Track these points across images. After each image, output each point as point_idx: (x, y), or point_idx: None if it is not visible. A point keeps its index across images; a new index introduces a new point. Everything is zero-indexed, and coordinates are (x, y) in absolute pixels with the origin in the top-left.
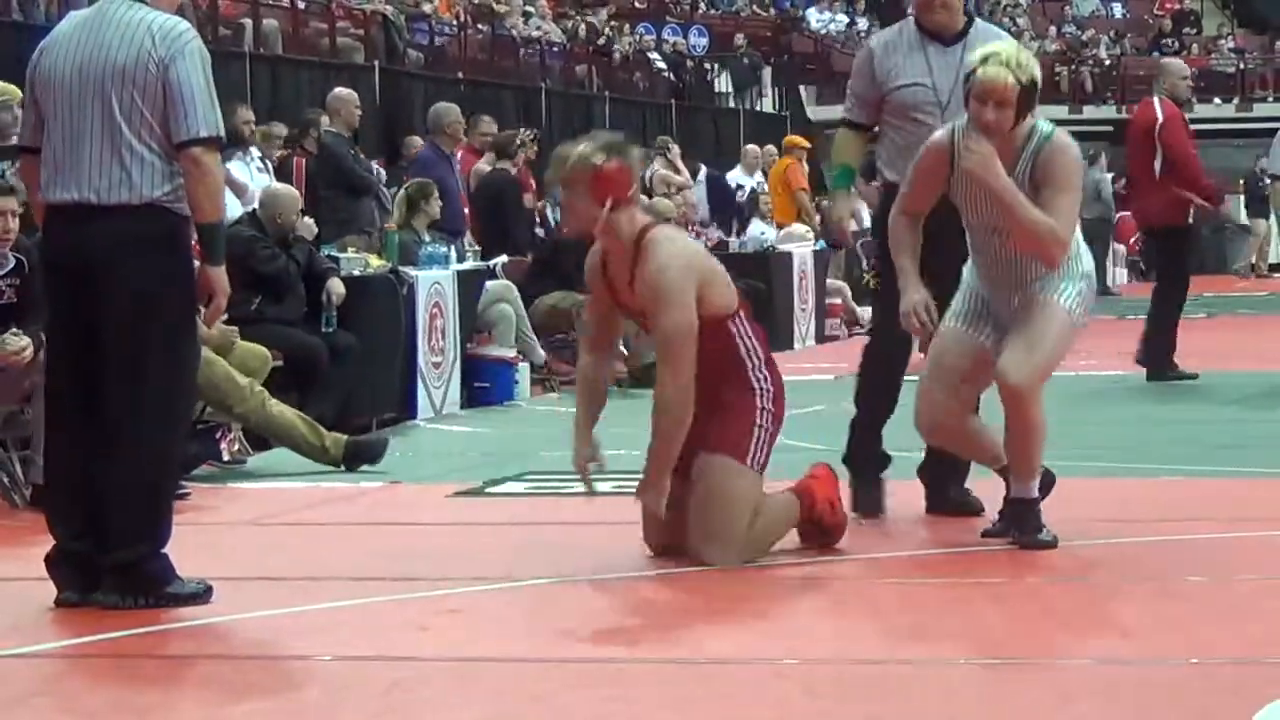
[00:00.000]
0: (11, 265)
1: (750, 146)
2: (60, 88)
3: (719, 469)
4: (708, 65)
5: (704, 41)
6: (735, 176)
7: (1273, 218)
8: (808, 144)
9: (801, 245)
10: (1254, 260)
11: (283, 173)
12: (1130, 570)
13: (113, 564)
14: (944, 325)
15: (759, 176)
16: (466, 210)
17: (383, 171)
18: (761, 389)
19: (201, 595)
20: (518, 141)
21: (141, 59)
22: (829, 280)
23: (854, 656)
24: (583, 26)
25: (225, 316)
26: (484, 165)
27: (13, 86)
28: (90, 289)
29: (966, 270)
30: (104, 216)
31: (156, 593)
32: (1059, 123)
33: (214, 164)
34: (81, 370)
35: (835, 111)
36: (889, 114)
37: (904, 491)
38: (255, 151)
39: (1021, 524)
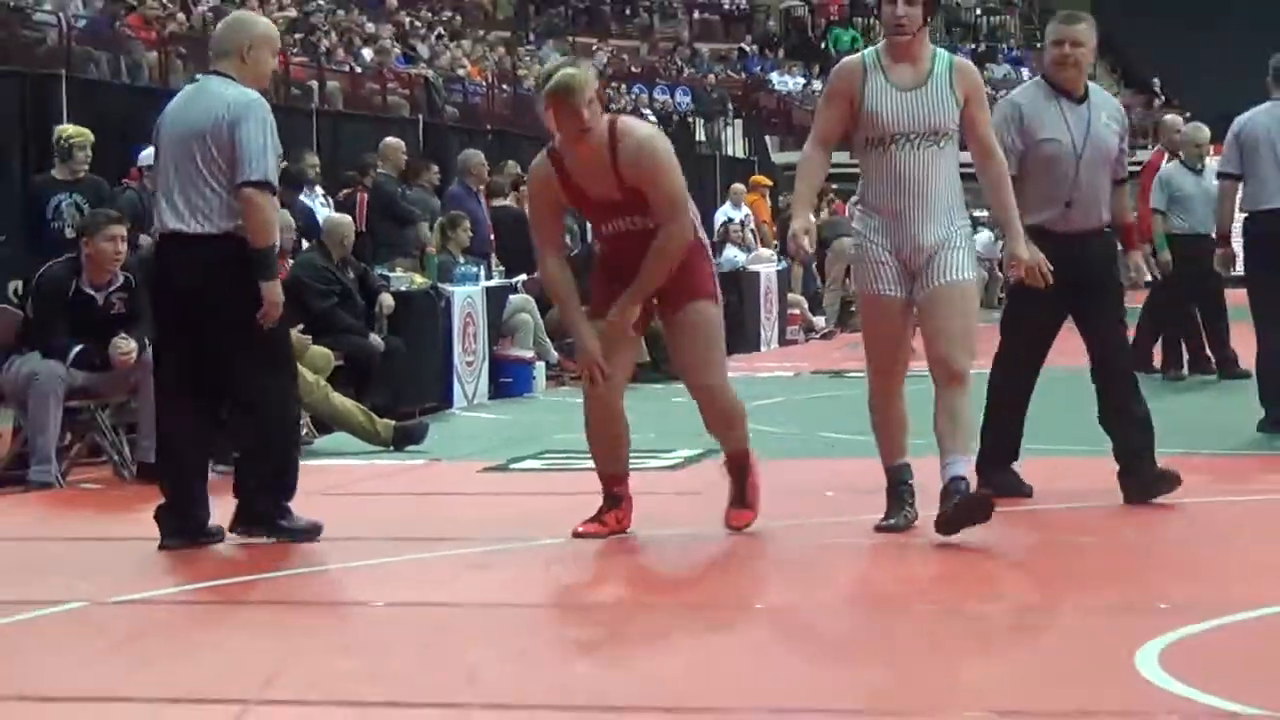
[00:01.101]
0: (121, 281)
1: (737, 185)
2: (167, 142)
3: (710, 313)
4: (690, 119)
5: (687, 100)
6: (725, 211)
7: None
8: (770, 182)
9: (767, 266)
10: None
11: (347, 205)
12: (1039, 532)
13: (249, 511)
14: (882, 301)
15: (745, 210)
16: (492, 237)
17: (436, 200)
18: (703, 242)
19: (311, 531)
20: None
21: (218, 122)
22: (790, 294)
23: (816, 603)
24: None
25: (300, 325)
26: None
27: (86, 130)
28: (191, 300)
29: (860, 222)
30: (194, 242)
31: (277, 530)
32: None
33: (264, 202)
34: (186, 363)
35: (796, 157)
36: (1031, 164)
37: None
38: (319, 189)
39: (959, 498)
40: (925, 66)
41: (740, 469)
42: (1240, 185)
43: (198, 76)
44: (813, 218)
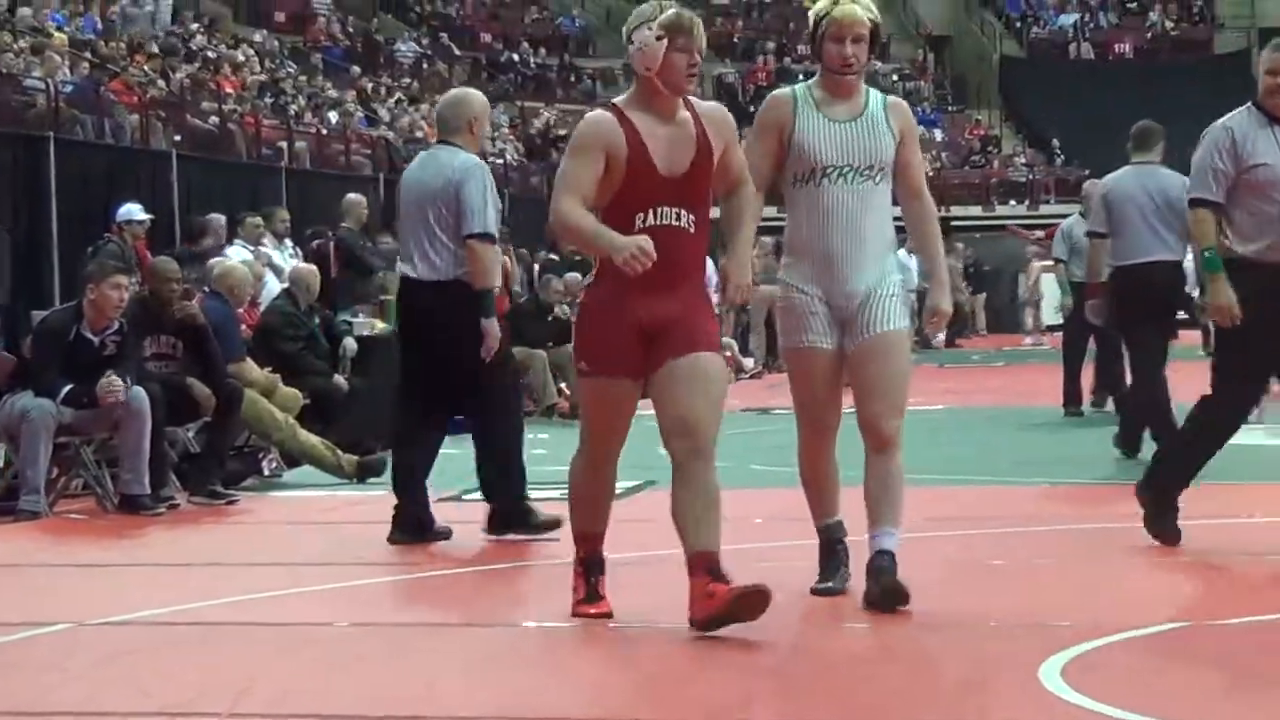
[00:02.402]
0: (115, 326)
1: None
2: (405, 203)
3: (718, 368)
4: None
5: None
6: None
7: (1054, 288)
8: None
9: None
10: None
11: (318, 256)
12: (948, 555)
13: (491, 509)
14: (812, 355)
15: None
16: None
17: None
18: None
19: (552, 525)
20: None
21: (447, 185)
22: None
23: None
24: (536, 143)
25: (270, 368)
26: None
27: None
28: (425, 333)
29: (787, 269)
30: (427, 287)
31: (517, 527)
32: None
33: (484, 251)
34: (425, 383)
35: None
36: (1243, 191)
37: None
38: (289, 242)
39: (885, 578)
40: (860, 101)
41: (712, 571)
42: (1107, 242)
43: (431, 143)
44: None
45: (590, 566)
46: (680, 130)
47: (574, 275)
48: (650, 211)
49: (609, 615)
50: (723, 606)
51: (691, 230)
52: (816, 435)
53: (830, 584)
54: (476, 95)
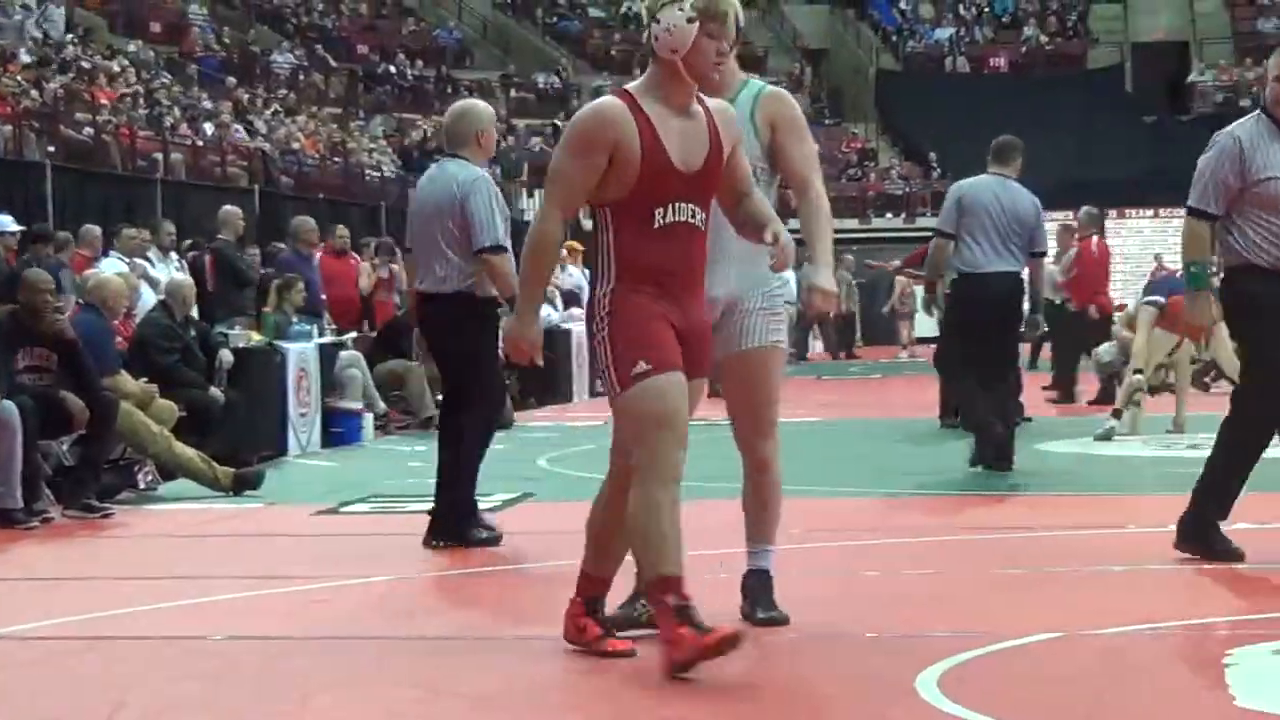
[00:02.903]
0: None
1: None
2: (415, 216)
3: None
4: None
5: (525, 170)
6: (573, 273)
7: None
8: (581, 247)
9: (578, 324)
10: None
11: (195, 268)
12: (825, 566)
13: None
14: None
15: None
16: (324, 296)
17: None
18: None
19: (492, 541)
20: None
21: (451, 198)
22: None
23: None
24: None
25: (145, 379)
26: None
27: None
28: (438, 345)
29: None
30: (437, 299)
31: (454, 538)
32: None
33: (499, 262)
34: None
35: None
36: (1250, 204)
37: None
38: (174, 255)
39: (760, 597)
40: (728, 97)
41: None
42: (951, 244)
43: (436, 158)
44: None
45: (684, 611)
46: (694, 124)
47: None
48: (669, 208)
49: (736, 637)
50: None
51: (703, 230)
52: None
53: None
54: (483, 107)
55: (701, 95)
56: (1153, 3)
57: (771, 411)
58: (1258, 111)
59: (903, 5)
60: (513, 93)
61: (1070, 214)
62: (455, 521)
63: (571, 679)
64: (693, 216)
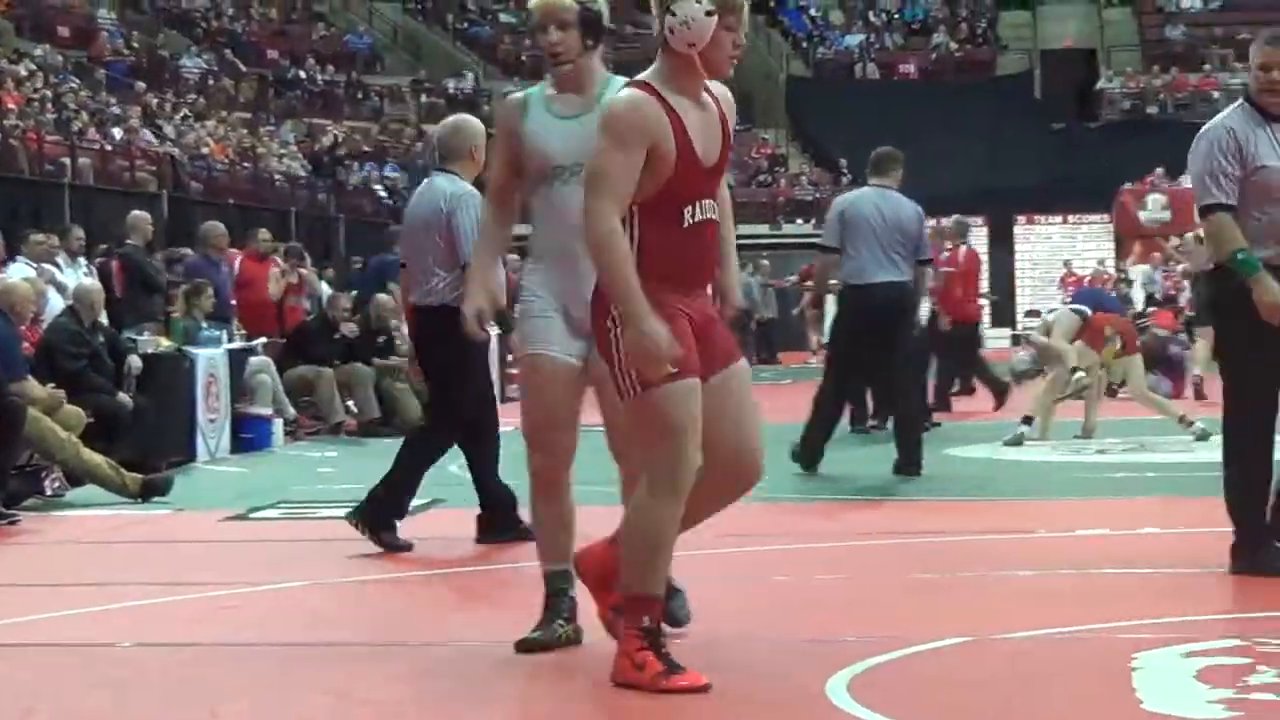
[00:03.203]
0: None
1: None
2: (406, 230)
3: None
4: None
5: (402, 174)
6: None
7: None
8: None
9: (494, 328)
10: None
11: (103, 273)
12: (737, 571)
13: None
14: (545, 363)
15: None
16: (234, 302)
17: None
18: None
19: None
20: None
21: (436, 212)
22: (510, 356)
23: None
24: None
25: (53, 385)
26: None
27: None
28: (426, 359)
29: (527, 275)
30: (425, 312)
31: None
32: None
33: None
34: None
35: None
36: (1250, 194)
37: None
38: (83, 260)
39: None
40: (594, 94)
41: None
42: (836, 257)
43: (432, 172)
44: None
45: (654, 635)
46: (709, 115)
47: (384, 296)
48: (696, 205)
49: (704, 687)
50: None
51: (717, 221)
52: (548, 459)
53: (538, 635)
54: (476, 122)
55: (707, 83)
56: (1061, 10)
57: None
58: (1241, 101)
59: (813, 12)
60: (423, 98)
61: (979, 220)
62: (499, 516)
63: (480, 684)
64: (712, 212)
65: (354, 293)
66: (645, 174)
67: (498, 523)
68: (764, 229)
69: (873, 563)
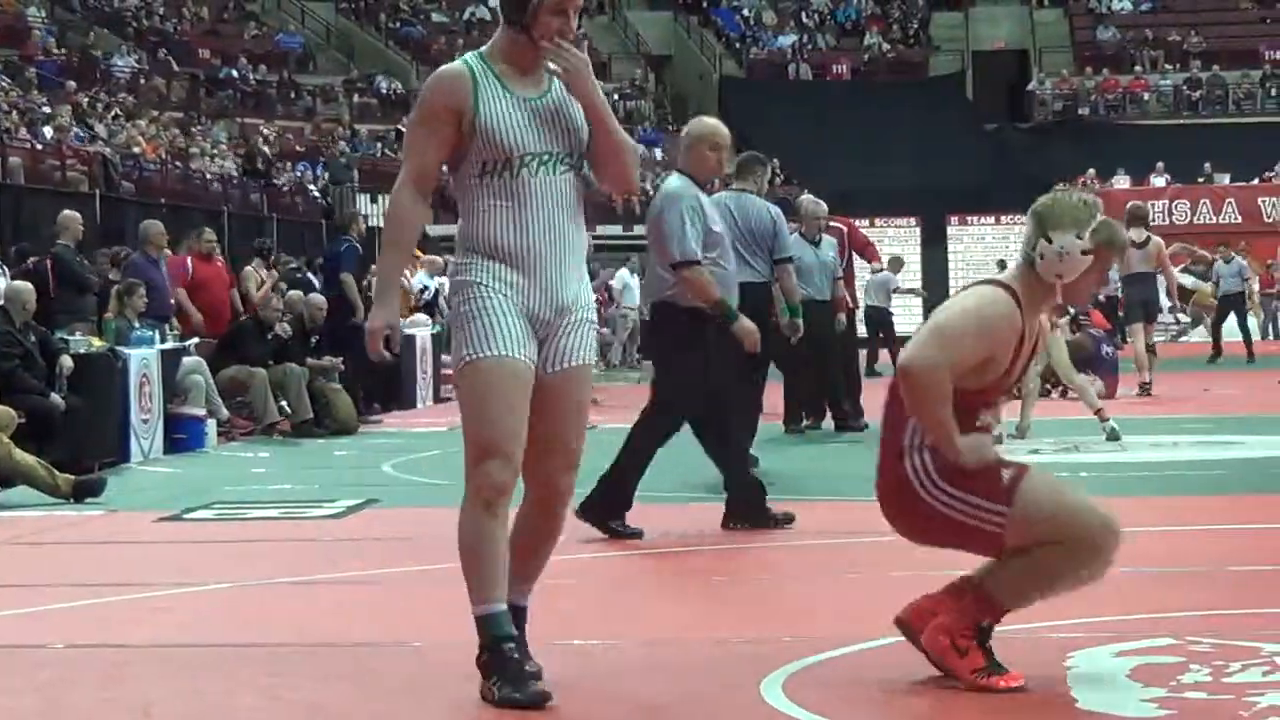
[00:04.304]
0: None
1: (429, 257)
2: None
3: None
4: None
5: (355, 175)
6: (420, 279)
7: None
8: (420, 254)
9: (422, 329)
10: None
11: (36, 273)
12: (673, 572)
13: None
14: (507, 367)
15: (441, 279)
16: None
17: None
18: None
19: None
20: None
21: (657, 212)
22: (444, 355)
23: (466, 639)
24: (258, 162)
25: None
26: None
27: None
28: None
29: (478, 269)
30: (652, 307)
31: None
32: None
33: (690, 274)
34: None
35: (449, 229)
36: None
37: None
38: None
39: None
40: (544, 74)
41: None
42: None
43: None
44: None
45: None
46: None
47: (296, 293)
48: None
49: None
50: None
51: None
52: (508, 475)
53: (518, 694)
54: (707, 122)
55: None
56: (993, 12)
57: (583, 440)
58: None
59: (745, 12)
60: (356, 97)
61: (912, 220)
62: (747, 503)
63: (411, 685)
64: None
65: (290, 292)
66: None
67: (747, 511)
68: None
69: (808, 563)
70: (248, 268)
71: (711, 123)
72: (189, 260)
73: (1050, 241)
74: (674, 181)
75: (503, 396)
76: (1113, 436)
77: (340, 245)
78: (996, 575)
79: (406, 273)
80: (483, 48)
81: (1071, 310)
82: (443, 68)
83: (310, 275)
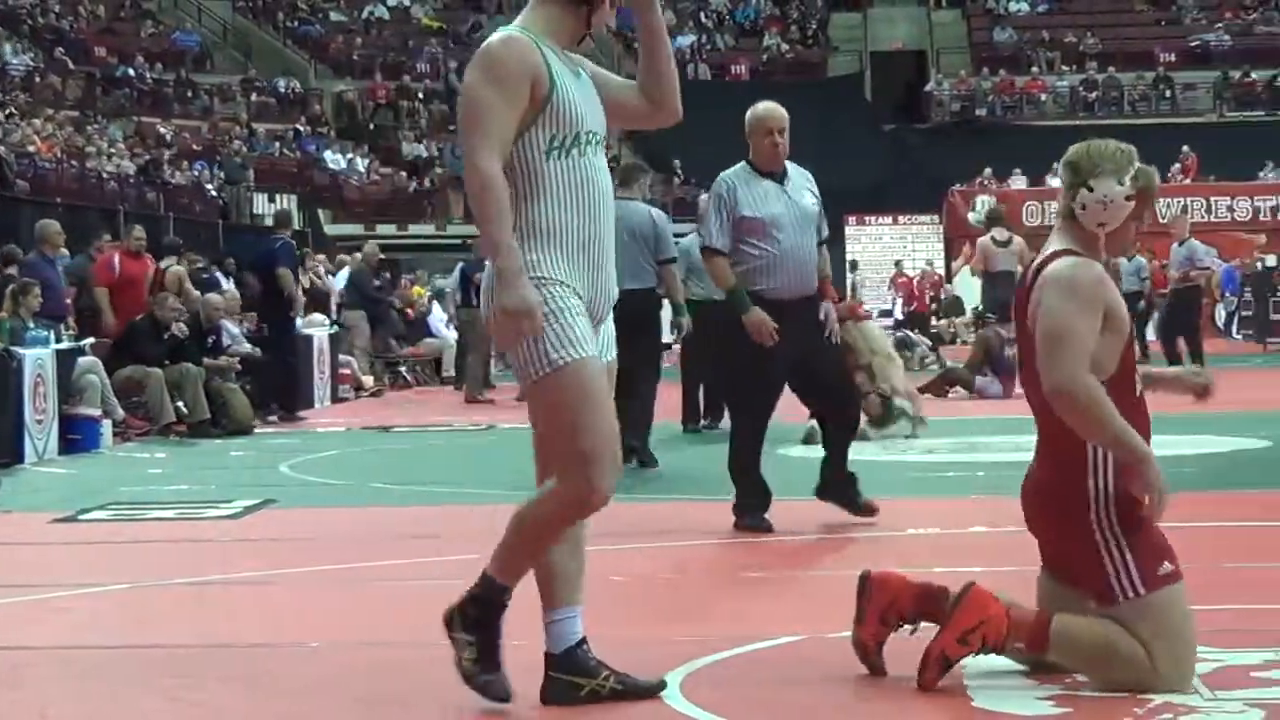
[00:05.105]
0: None
1: (341, 256)
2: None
3: None
4: (250, 194)
5: (250, 174)
6: (342, 277)
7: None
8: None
9: (319, 329)
10: None
11: None
12: None
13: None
14: (592, 367)
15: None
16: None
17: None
18: None
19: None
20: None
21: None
22: (340, 355)
23: (372, 639)
24: (154, 161)
25: None
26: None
27: None
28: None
29: (542, 253)
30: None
31: None
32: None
33: (710, 263)
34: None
35: (349, 229)
36: None
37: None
38: None
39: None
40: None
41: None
42: None
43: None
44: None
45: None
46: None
47: (214, 295)
48: None
49: None
50: None
51: None
52: (611, 482)
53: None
54: (755, 107)
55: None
56: (891, 13)
57: None
58: None
59: None
60: (254, 97)
61: None
62: (841, 485)
63: (310, 686)
64: None
65: (209, 295)
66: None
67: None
68: None
69: (707, 562)
70: (175, 265)
71: (762, 109)
72: (116, 258)
73: (1091, 190)
74: (730, 170)
75: (597, 399)
76: (912, 436)
77: (275, 243)
78: (1071, 632)
79: (322, 270)
80: (514, 22)
81: (979, 307)
82: (507, 35)
83: (219, 275)
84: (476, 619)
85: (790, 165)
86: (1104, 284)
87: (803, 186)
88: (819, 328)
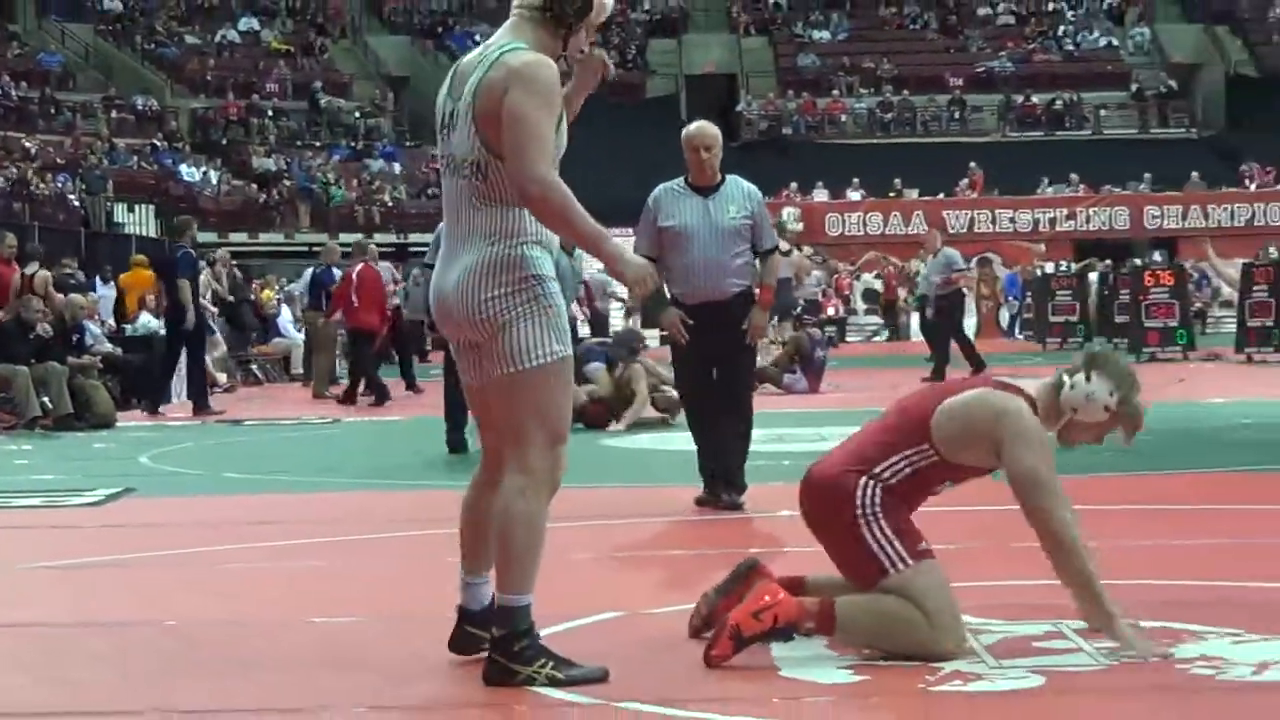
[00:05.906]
0: None
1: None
2: None
3: None
4: (111, 204)
5: (110, 186)
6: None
7: None
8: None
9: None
10: None
11: None
12: (405, 554)
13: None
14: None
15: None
16: None
17: None
18: None
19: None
20: None
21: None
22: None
23: (227, 617)
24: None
25: None
26: None
27: None
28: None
29: (535, 251)
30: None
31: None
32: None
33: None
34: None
35: (202, 237)
36: None
37: None
38: None
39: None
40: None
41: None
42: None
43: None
44: None
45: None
46: None
47: (76, 296)
48: None
49: None
50: None
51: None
52: (565, 463)
53: (583, 672)
54: (687, 128)
55: None
56: (705, 39)
57: None
58: None
59: (478, 37)
60: (114, 114)
61: (631, 230)
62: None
63: (170, 662)
64: None
65: (72, 295)
66: None
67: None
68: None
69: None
70: (42, 270)
71: (692, 128)
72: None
73: (1089, 380)
74: (663, 184)
75: (570, 388)
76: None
77: (177, 252)
78: (852, 611)
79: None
80: (515, 41)
81: (798, 309)
82: (539, 57)
83: (96, 279)
84: (524, 648)
85: (731, 180)
86: (1042, 443)
87: (732, 201)
88: (735, 330)
